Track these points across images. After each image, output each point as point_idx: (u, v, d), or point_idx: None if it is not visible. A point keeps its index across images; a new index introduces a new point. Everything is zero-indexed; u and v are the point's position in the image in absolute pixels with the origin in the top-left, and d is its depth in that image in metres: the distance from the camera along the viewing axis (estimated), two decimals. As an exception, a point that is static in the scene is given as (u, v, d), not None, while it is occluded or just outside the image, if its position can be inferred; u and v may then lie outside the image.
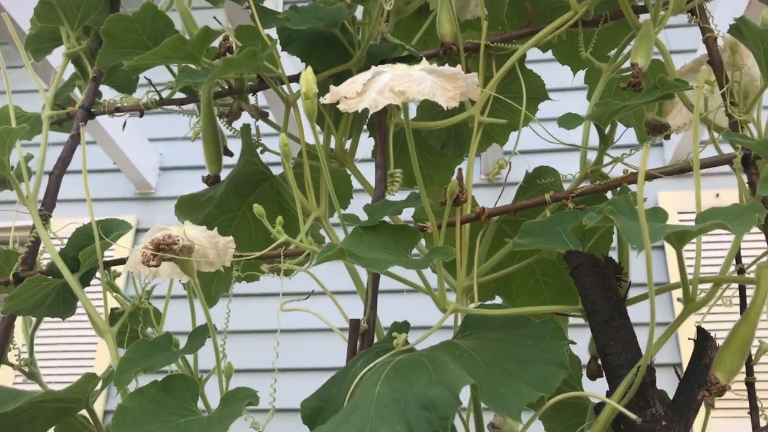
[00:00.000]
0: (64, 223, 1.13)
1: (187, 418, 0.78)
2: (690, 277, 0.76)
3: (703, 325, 0.79)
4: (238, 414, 0.75)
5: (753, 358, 0.77)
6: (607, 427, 0.71)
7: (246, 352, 2.44)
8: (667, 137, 0.99)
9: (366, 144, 1.15)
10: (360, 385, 0.69)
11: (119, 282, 2.22)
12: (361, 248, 0.75)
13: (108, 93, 1.27)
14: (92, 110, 1.16)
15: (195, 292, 0.89)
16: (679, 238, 0.70)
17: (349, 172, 1.19)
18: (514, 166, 1.06)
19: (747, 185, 0.84)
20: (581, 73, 1.20)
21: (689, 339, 0.78)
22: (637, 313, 0.84)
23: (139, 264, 0.87)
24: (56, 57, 1.22)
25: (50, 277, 0.96)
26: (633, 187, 0.87)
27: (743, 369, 0.81)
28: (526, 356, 0.70)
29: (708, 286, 0.78)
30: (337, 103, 0.67)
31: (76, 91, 1.24)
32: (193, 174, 3.48)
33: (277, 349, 0.98)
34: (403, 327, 0.85)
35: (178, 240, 0.78)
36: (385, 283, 0.92)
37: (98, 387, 0.88)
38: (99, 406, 3.29)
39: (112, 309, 1.00)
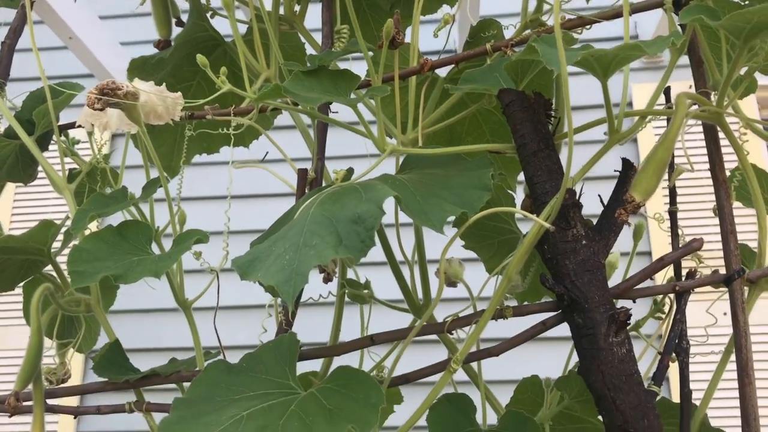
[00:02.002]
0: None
1: (140, 257, 0.82)
2: (616, 111, 0.80)
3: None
4: (188, 249, 0.79)
5: (670, 178, 0.81)
6: (532, 248, 0.75)
7: (199, 216, 2.50)
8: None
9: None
10: (297, 213, 0.73)
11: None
12: (300, 89, 0.78)
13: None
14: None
15: (150, 158, 0.92)
16: (603, 67, 0.73)
17: (303, 40, 1.20)
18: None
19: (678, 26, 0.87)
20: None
21: (615, 171, 0.82)
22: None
23: (90, 116, 0.89)
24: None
25: (7, 139, 0.98)
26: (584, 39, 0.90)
27: (667, 201, 0.86)
28: (454, 183, 0.74)
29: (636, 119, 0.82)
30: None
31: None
32: (148, 50, 3.39)
33: (230, 200, 1.01)
34: (349, 173, 0.89)
35: (122, 86, 0.80)
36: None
37: (58, 237, 0.92)
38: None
39: (70, 169, 1.03)
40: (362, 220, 0.65)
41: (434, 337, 0.90)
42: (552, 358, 0.99)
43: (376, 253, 0.96)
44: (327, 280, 1.05)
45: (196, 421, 0.68)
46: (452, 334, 0.83)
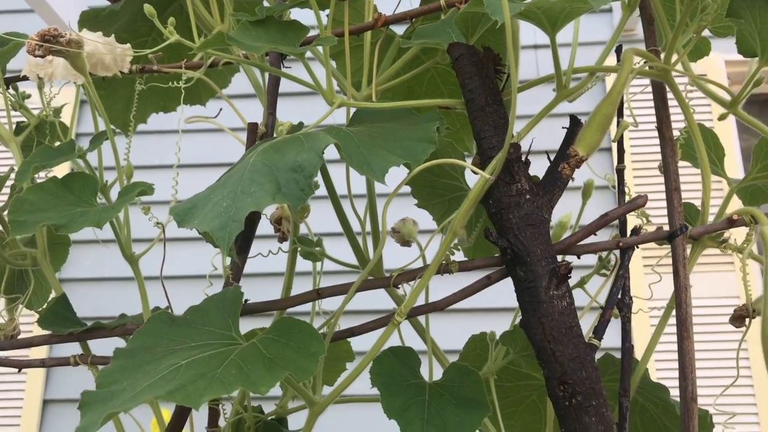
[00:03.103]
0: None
1: (84, 208, 0.81)
2: (564, 67, 0.80)
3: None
4: (132, 199, 0.78)
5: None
6: (477, 202, 0.76)
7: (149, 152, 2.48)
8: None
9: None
10: (238, 163, 0.73)
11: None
12: (246, 38, 0.77)
13: None
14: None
15: (98, 109, 0.90)
16: (551, 21, 0.73)
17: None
18: None
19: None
20: None
21: (563, 128, 0.82)
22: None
23: (35, 66, 0.87)
24: None
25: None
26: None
27: (616, 159, 0.86)
28: (399, 135, 0.73)
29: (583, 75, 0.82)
30: None
31: None
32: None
33: (180, 142, 1.00)
34: (297, 127, 0.88)
35: (65, 33, 0.79)
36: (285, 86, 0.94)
37: (4, 190, 0.90)
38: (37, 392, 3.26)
39: (17, 122, 1.01)
40: (302, 168, 0.64)
41: (385, 296, 0.90)
42: (500, 316, 1.00)
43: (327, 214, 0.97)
44: (282, 239, 1.05)
45: (136, 370, 0.68)
46: (399, 288, 0.83)
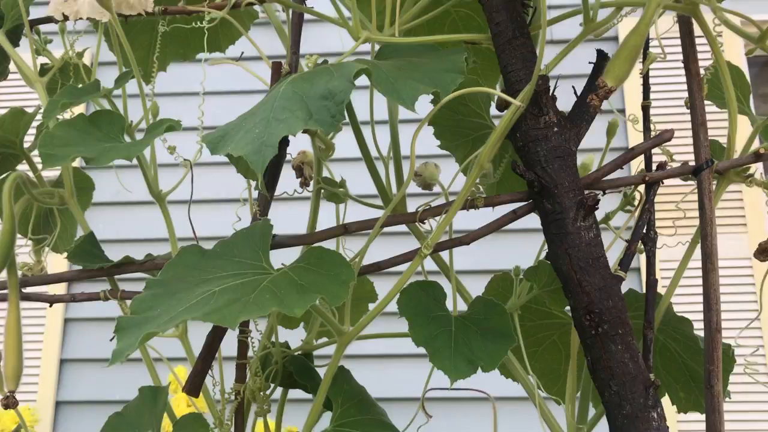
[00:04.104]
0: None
1: (112, 144, 0.82)
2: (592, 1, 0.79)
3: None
4: (160, 134, 0.79)
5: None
6: (504, 136, 0.76)
7: (173, 113, 2.50)
8: None
9: None
10: (267, 95, 0.73)
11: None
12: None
13: None
14: None
15: (123, 53, 0.90)
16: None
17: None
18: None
19: None
20: None
21: (589, 63, 0.82)
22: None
23: (60, 5, 0.87)
24: None
25: (-25, 31, 0.96)
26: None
27: (642, 97, 0.86)
28: (427, 68, 0.73)
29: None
30: None
31: None
32: None
33: (203, 95, 1.00)
34: (321, 65, 0.88)
35: (91, -32, 0.79)
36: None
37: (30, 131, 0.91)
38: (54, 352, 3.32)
39: (42, 64, 1.01)
40: (332, 95, 0.64)
41: (409, 236, 0.91)
42: (524, 252, 1.00)
43: (351, 149, 0.97)
44: (304, 184, 1.06)
45: (170, 297, 0.69)
46: (424, 224, 0.83)
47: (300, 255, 0.74)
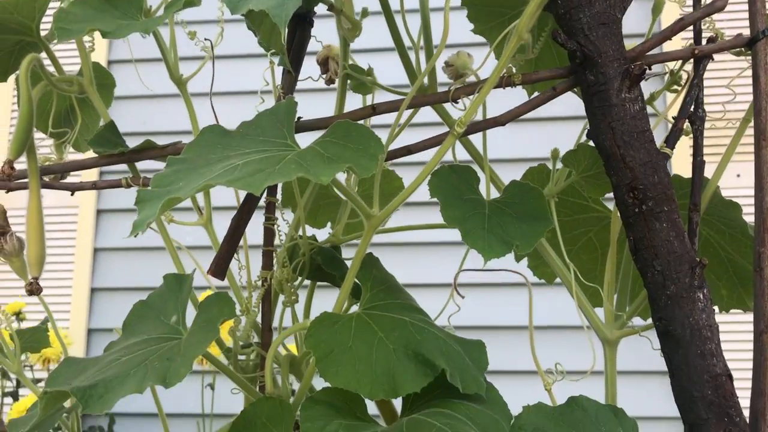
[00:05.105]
0: None
1: (129, 21, 0.78)
2: None
3: None
4: (178, 8, 0.75)
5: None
6: (544, 3, 0.70)
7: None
8: None
9: None
10: None
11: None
12: None
13: None
14: None
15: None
16: None
17: None
18: None
19: None
20: None
21: (637, -73, 0.76)
22: None
23: None
24: None
25: None
26: None
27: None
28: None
29: None
30: None
31: None
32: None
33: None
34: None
35: None
36: None
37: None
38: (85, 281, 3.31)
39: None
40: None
41: (442, 126, 0.87)
42: (561, 140, 0.96)
43: (382, 37, 0.93)
44: (329, 81, 1.01)
45: (192, 172, 0.66)
46: (457, 104, 0.79)
47: (326, 131, 0.71)
